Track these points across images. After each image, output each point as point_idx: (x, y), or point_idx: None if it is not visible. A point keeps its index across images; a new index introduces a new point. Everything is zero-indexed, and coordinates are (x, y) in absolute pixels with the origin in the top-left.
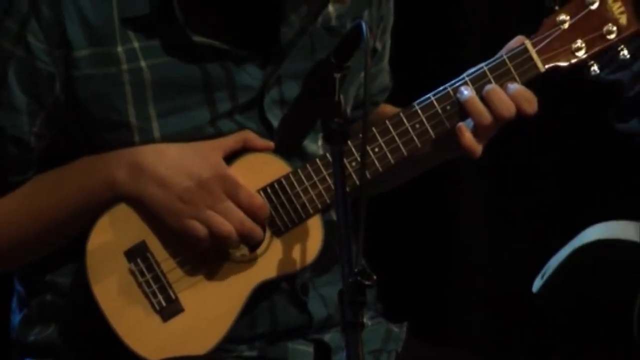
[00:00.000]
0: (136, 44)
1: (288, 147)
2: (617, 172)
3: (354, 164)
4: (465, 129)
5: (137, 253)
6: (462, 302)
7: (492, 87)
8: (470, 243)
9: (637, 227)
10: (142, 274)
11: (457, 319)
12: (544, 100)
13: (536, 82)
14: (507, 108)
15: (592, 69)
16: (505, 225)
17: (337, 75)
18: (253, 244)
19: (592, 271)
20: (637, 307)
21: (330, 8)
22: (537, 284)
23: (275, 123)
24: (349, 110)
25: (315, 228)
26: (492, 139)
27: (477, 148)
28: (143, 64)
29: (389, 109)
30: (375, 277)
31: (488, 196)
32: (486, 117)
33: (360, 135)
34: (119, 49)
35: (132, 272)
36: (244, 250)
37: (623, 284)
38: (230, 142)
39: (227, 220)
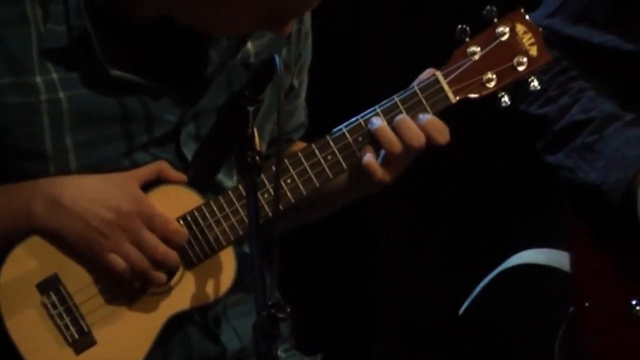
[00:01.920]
0: (55, 75)
1: (203, 180)
2: (543, 202)
3: (266, 195)
4: (372, 157)
5: (49, 285)
6: (378, 332)
7: (402, 117)
8: (386, 273)
9: (563, 256)
10: (54, 307)
11: (372, 350)
12: (468, 128)
13: (468, 110)
14: (417, 138)
15: (503, 100)
16: (423, 254)
17: (251, 108)
18: (172, 273)
19: (516, 295)
20: (560, 336)
21: (249, 45)
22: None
23: (190, 157)
24: (264, 147)
25: (227, 260)
26: (414, 166)
27: (386, 177)
28: (61, 95)
29: (303, 146)
30: (289, 309)
31: (405, 224)
32: (396, 145)
33: (273, 167)
34: (38, 79)
35: (44, 305)
36: (162, 282)
37: (548, 311)
38: (145, 172)
39: (146, 250)
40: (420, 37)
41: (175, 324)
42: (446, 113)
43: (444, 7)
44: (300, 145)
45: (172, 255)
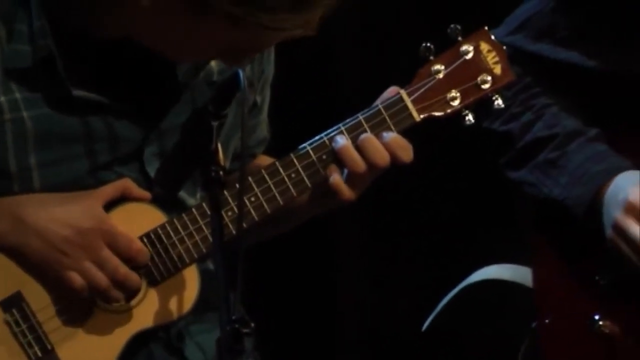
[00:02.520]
0: (18, 95)
1: (167, 198)
2: (506, 218)
3: (230, 213)
4: (337, 175)
5: (12, 303)
6: (341, 347)
7: (366, 135)
8: (349, 288)
9: (526, 272)
10: (17, 324)
11: None
12: (432, 143)
13: (431, 126)
14: (381, 156)
15: (467, 118)
16: (386, 269)
17: (215, 124)
18: (130, 293)
19: (480, 310)
20: (522, 352)
21: (213, 63)
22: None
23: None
24: (228, 162)
25: (191, 278)
26: (379, 183)
27: (350, 195)
28: (25, 114)
29: (266, 160)
30: (253, 324)
31: (369, 240)
32: (360, 165)
33: (237, 184)
34: (2, 98)
35: (7, 323)
36: (120, 300)
37: (511, 326)
38: (109, 190)
39: (106, 269)
40: (385, 55)
41: (139, 341)
42: (410, 131)
43: (409, 25)
44: (263, 159)
45: (134, 277)
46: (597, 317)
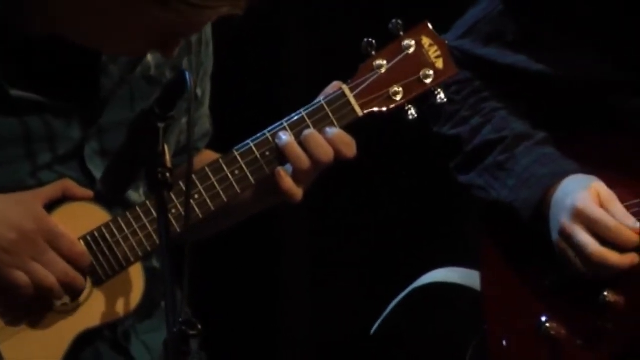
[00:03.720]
0: None
1: (113, 197)
2: (455, 221)
3: (174, 211)
4: (284, 173)
5: None
6: (287, 349)
7: (310, 132)
8: (296, 288)
9: (474, 275)
10: None
11: None
12: (380, 144)
13: (379, 124)
14: (325, 152)
15: (410, 112)
16: (333, 272)
17: (161, 125)
18: (75, 293)
19: (428, 313)
20: (470, 354)
21: (149, 57)
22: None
23: (96, 173)
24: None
25: (136, 276)
26: (321, 183)
27: (297, 192)
28: None
29: (209, 154)
30: (200, 326)
31: (315, 242)
32: (304, 161)
33: (181, 182)
34: None
35: None
36: (65, 300)
37: (459, 329)
38: (50, 191)
39: (50, 270)
40: (329, 50)
41: (86, 341)
42: (354, 127)
43: (352, 20)
44: (206, 153)
45: (78, 277)
46: (544, 319)
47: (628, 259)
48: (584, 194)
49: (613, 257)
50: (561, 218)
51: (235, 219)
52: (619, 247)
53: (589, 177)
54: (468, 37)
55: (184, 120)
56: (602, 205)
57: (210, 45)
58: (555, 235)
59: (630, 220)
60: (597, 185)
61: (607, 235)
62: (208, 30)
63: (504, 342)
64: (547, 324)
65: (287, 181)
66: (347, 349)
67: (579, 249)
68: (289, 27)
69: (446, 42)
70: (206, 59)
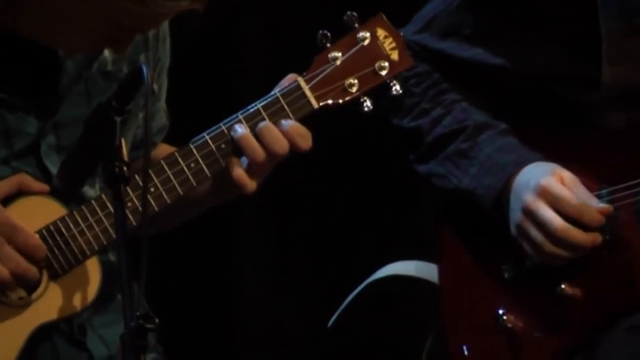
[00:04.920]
0: None
1: (70, 191)
2: (412, 213)
3: (130, 204)
4: (236, 163)
5: None
6: (244, 342)
7: (265, 124)
8: (253, 282)
9: (432, 268)
10: None
11: (239, 358)
12: (337, 137)
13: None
14: (280, 144)
15: (366, 104)
16: (291, 265)
17: (118, 119)
18: (30, 287)
19: (385, 306)
20: (427, 347)
21: (106, 53)
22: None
23: (52, 169)
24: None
25: (93, 270)
26: (279, 177)
27: (250, 183)
28: None
29: (166, 148)
30: (157, 320)
31: (272, 235)
32: (259, 153)
33: (136, 176)
34: None
35: None
36: (21, 294)
37: (416, 322)
38: (5, 185)
39: (4, 263)
40: (285, 43)
41: (42, 335)
42: (311, 119)
43: (308, 13)
44: (163, 147)
45: (33, 271)
46: (501, 312)
47: (591, 237)
48: (548, 176)
49: (578, 234)
50: (525, 197)
51: (193, 212)
52: (583, 226)
53: (552, 164)
54: (426, 31)
55: (141, 115)
56: (566, 187)
57: (167, 40)
58: (516, 218)
59: (594, 201)
60: (561, 170)
61: (571, 212)
62: (165, 26)
63: (462, 335)
64: (505, 317)
65: (239, 171)
66: (304, 342)
67: (543, 225)
68: (245, 20)
69: (402, 34)
70: (163, 55)
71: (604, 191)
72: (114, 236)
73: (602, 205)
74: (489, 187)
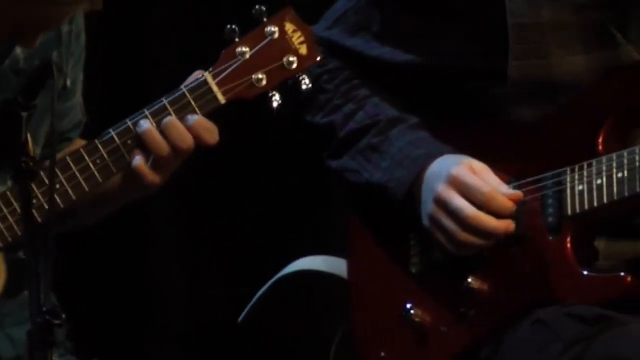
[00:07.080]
0: None
1: None
2: (322, 208)
3: (35, 201)
4: (138, 157)
5: None
6: (154, 338)
7: (169, 119)
8: (163, 277)
9: (341, 262)
10: None
11: (149, 356)
12: (247, 133)
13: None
14: (184, 139)
15: (274, 99)
16: (200, 261)
17: (24, 114)
18: None
19: (293, 302)
20: (335, 343)
21: (18, 50)
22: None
23: None
24: (38, 149)
25: None
26: (189, 171)
27: (154, 178)
28: None
29: (82, 144)
30: (64, 315)
31: (182, 230)
32: (163, 148)
33: (41, 172)
34: None
35: None
36: None
37: (324, 318)
38: None
39: None
40: (193, 38)
41: None
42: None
43: (216, 7)
44: (79, 143)
45: None
46: (409, 306)
47: (503, 224)
48: (460, 166)
49: (489, 219)
50: (436, 187)
51: (106, 208)
52: (494, 213)
53: (463, 155)
54: (336, 27)
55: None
56: (476, 175)
57: (82, 36)
58: (428, 209)
59: (504, 187)
60: (471, 161)
61: (481, 200)
62: (79, 22)
63: (371, 330)
64: (412, 311)
65: (138, 163)
66: (214, 338)
67: (454, 214)
68: (154, 14)
69: (311, 28)
70: (77, 50)
71: (511, 185)
72: (19, 233)
73: (512, 192)
74: (400, 180)
